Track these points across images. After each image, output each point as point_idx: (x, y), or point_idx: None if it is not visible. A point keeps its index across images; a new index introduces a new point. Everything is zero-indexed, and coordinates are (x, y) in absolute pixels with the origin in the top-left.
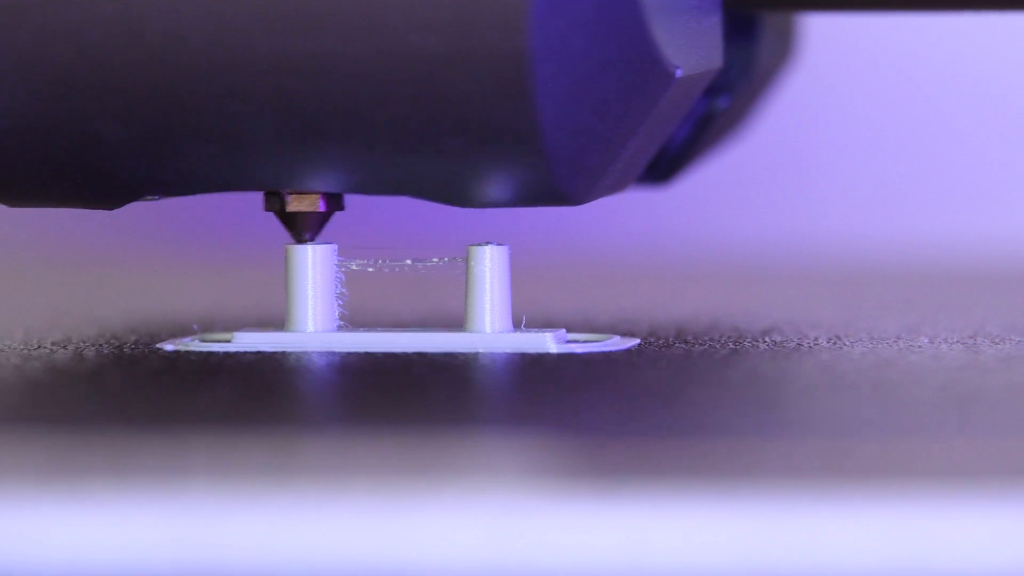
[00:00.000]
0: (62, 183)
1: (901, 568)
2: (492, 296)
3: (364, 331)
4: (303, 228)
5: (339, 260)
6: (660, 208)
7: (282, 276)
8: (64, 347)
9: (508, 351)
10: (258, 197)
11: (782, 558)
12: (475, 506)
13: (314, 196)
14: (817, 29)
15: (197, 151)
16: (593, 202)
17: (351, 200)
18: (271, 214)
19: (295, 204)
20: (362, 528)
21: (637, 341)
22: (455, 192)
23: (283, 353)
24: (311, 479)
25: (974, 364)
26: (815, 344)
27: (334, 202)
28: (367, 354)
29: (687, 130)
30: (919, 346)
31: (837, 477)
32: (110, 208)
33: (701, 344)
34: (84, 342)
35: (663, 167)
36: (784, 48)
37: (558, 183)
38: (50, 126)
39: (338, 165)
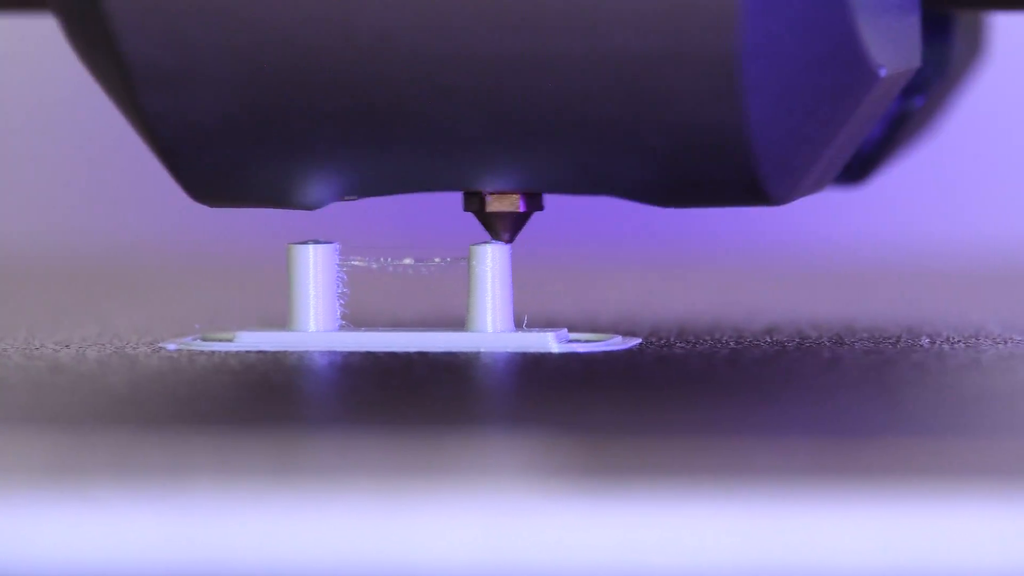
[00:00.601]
0: (266, 184)
1: (902, 568)
2: (494, 295)
3: (366, 331)
4: (501, 228)
5: (341, 259)
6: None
7: (284, 275)
8: (66, 346)
9: (510, 351)
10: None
11: (783, 557)
12: (476, 505)
13: (514, 196)
14: None
15: (402, 152)
16: (594, 201)
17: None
18: (272, 213)
19: (495, 204)
20: (363, 527)
21: (639, 340)
22: (659, 192)
23: (285, 353)
24: (313, 479)
25: (974, 364)
26: (815, 344)
27: (533, 202)
28: (369, 354)
29: (881, 129)
30: (920, 345)
31: (838, 477)
32: (311, 209)
33: (702, 344)
34: (86, 341)
35: (857, 167)
36: (975, 46)
37: (763, 183)
38: (258, 127)
39: (543, 165)
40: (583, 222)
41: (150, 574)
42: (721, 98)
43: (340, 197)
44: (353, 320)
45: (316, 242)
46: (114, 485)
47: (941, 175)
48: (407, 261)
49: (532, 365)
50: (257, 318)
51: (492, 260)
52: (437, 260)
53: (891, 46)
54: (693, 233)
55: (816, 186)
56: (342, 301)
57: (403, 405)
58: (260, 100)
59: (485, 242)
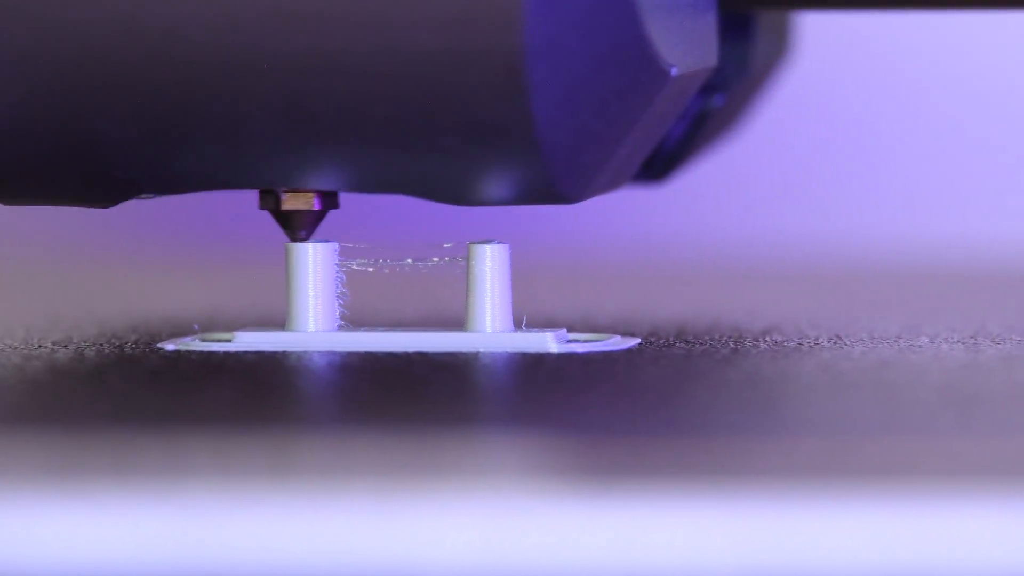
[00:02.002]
0: (59, 181)
1: (901, 568)
2: (493, 295)
3: (365, 331)
4: (298, 226)
5: (340, 260)
6: (661, 207)
7: (283, 275)
8: (65, 347)
9: (509, 351)
10: (256, 195)
11: (782, 557)
12: (475, 505)
13: (309, 194)
14: (820, 27)
15: (195, 149)
16: (593, 201)
17: (352, 199)
18: (270, 213)
19: (290, 202)
20: (362, 528)
21: (638, 341)
22: (450, 190)
23: (284, 353)
24: (311, 479)
25: (974, 364)
26: (815, 344)
27: (329, 200)
28: (368, 354)
29: (682, 128)
30: (919, 346)
31: (837, 477)
32: (106, 206)
33: (702, 344)
34: (85, 342)
35: (658, 165)
36: (779, 46)
37: (553, 181)
38: (48, 124)
39: (335, 163)
40: (584, 221)
41: (150, 574)
42: (507, 97)
43: (135, 195)
44: (352, 320)
45: (315, 241)
46: (113, 485)
47: (940, 175)
48: (406, 261)
49: (531, 365)
50: (256, 318)
51: (491, 260)
52: (436, 260)
53: (683, 45)
54: (693, 233)
55: (612, 184)
56: (341, 301)
57: (402, 405)
58: (47, 97)
59: (484, 241)
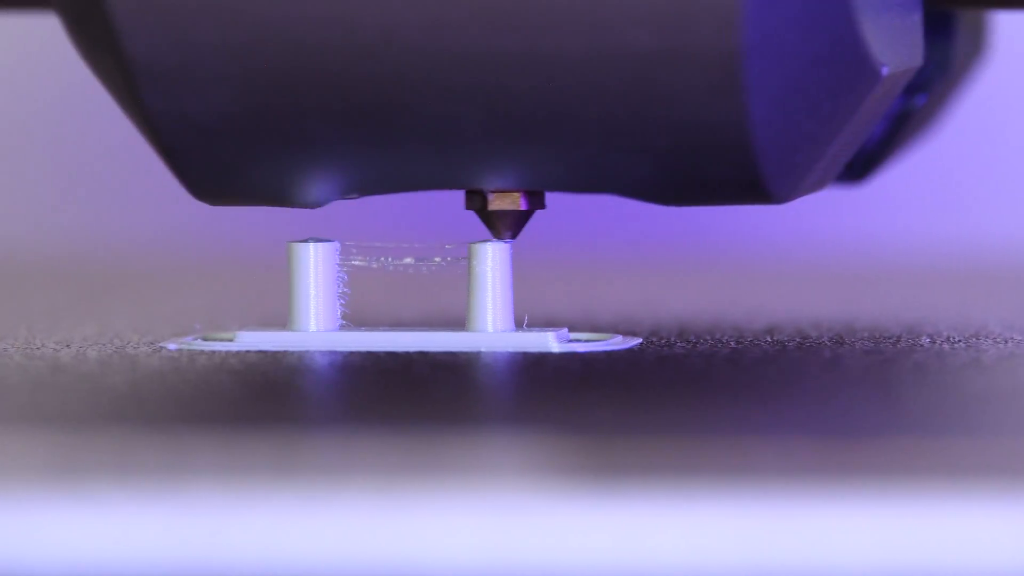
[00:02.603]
0: (268, 182)
1: (903, 567)
2: (494, 295)
3: (366, 330)
4: (503, 227)
5: (341, 260)
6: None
7: (284, 275)
8: (67, 346)
9: (510, 350)
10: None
11: (783, 557)
12: (477, 505)
13: (516, 195)
14: None
15: (405, 150)
16: (596, 201)
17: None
18: (272, 211)
19: (497, 203)
20: (364, 527)
21: (639, 340)
22: (662, 190)
23: (285, 352)
24: (314, 478)
25: (976, 363)
26: (817, 343)
27: (535, 200)
28: (369, 353)
29: (883, 128)
30: (921, 345)
31: (839, 476)
32: (312, 207)
33: (703, 343)
34: (86, 341)
35: (859, 165)
36: (977, 45)
37: (765, 181)
38: (260, 125)
39: (546, 163)
40: (584, 221)
41: (151, 574)
42: (723, 96)
43: (341, 195)
44: (353, 320)
45: (316, 240)
46: (115, 485)
47: (942, 174)
48: (407, 261)
49: (532, 365)
50: (257, 318)
51: (492, 259)
52: (437, 260)
53: (893, 45)
54: (694, 232)
55: (818, 184)
56: (343, 301)
57: (404, 405)
58: (261, 98)
59: (485, 240)
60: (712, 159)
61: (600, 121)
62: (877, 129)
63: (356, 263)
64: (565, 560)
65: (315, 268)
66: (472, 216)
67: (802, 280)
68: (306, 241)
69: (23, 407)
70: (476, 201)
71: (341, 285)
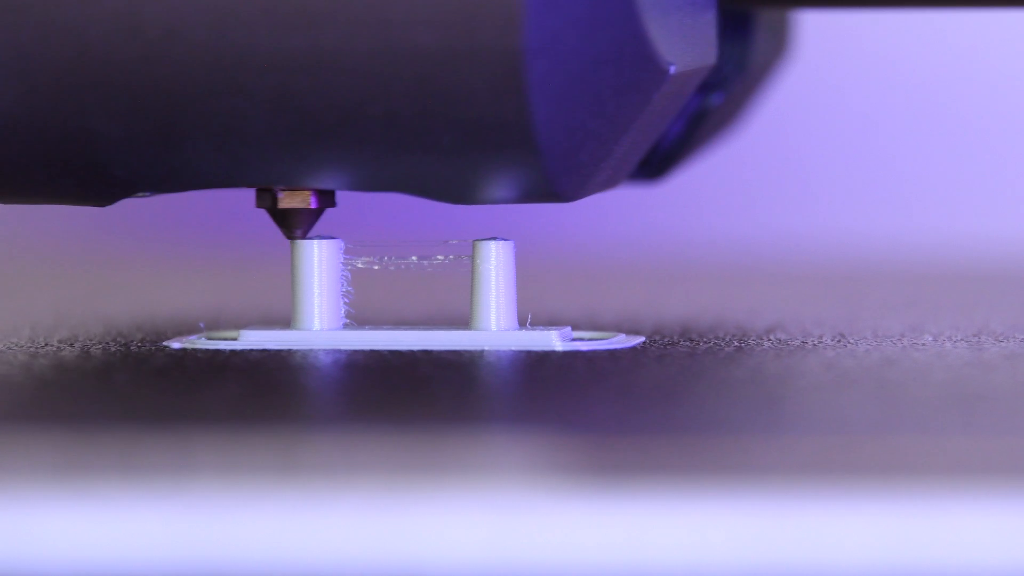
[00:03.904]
0: (56, 180)
1: (904, 566)
2: (498, 293)
3: (370, 329)
4: (295, 225)
5: (345, 258)
6: (665, 206)
7: (288, 273)
8: (71, 345)
9: (513, 349)
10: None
11: (786, 555)
12: (481, 503)
13: (306, 193)
14: (823, 25)
15: (193, 148)
16: (598, 199)
17: (357, 196)
18: (267, 211)
19: (287, 201)
20: (368, 525)
21: (642, 339)
22: (448, 189)
23: (289, 351)
24: (317, 476)
25: (978, 362)
26: (819, 342)
27: (326, 199)
28: (373, 352)
29: (680, 126)
30: (923, 344)
31: (841, 475)
32: (103, 205)
33: (706, 342)
34: (91, 340)
35: (656, 164)
36: (779, 44)
37: (551, 180)
38: (45, 123)
39: (333, 162)
40: (587, 220)
41: (155, 572)
42: (506, 94)
43: (132, 194)
44: (357, 318)
45: (320, 237)
46: (119, 483)
47: (943, 174)
48: (411, 259)
49: (536, 363)
50: (261, 316)
51: (496, 257)
52: (441, 258)
53: (682, 43)
54: (697, 232)
55: (609, 183)
56: (346, 300)
57: (407, 403)
58: (45, 96)
59: (489, 238)
60: (497, 159)
61: (386, 120)
62: (674, 127)
63: (360, 262)
64: (569, 558)
65: (319, 266)
66: (473, 214)
67: (806, 279)
68: (310, 238)
69: (27, 406)
70: (266, 199)
71: (345, 283)
